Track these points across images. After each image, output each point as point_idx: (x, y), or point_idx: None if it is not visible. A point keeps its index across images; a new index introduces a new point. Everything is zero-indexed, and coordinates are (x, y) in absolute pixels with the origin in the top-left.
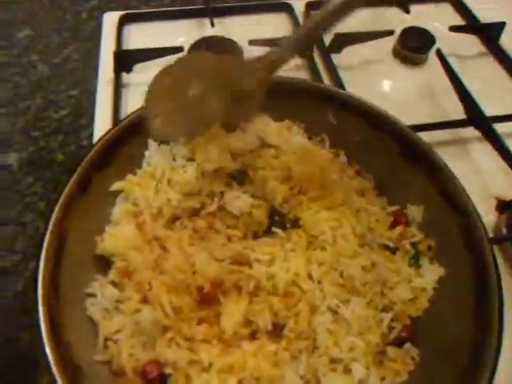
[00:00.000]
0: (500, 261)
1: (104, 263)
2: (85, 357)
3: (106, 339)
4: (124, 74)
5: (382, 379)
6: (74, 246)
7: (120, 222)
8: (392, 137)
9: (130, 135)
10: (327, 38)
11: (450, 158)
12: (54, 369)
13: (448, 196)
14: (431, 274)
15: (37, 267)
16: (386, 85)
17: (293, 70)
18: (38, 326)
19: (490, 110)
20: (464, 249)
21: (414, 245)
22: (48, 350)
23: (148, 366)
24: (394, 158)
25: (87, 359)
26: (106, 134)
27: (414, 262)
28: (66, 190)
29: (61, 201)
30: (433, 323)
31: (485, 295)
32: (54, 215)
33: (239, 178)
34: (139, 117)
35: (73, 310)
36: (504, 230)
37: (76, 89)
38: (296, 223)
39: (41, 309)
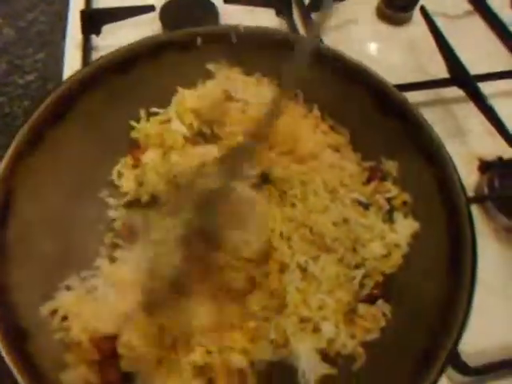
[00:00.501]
0: (482, 221)
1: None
2: (31, 318)
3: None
4: (93, 37)
5: (352, 337)
6: (22, 206)
7: None
8: (367, 90)
9: (88, 89)
10: None
11: (433, 118)
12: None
13: (424, 149)
14: (405, 228)
15: None
16: (370, 45)
17: None
18: None
19: (474, 70)
20: (439, 203)
21: (388, 200)
22: None
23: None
24: (369, 111)
25: (33, 320)
26: (59, 86)
27: (388, 217)
28: (13, 144)
29: (7, 157)
30: (406, 280)
31: (458, 252)
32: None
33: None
34: (99, 68)
35: (20, 272)
36: (485, 190)
37: (43, 52)
38: (267, 179)
39: None
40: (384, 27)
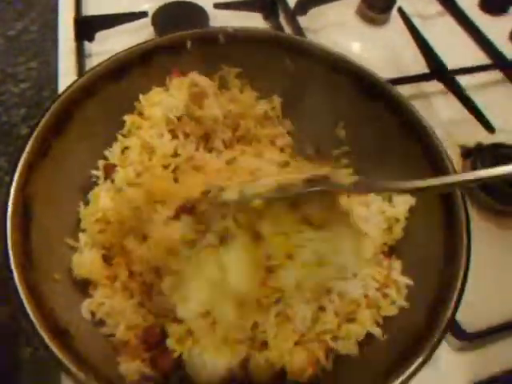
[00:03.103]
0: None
1: (73, 229)
2: (71, 321)
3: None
4: (86, 43)
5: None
6: (41, 214)
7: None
8: (349, 77)
9: (86, 97)
10: (292, 0)
11: None
12: (42, 333)
13: (407, 124)
14: (403, 204)
15: (5, 237)
16: (352, 45)
17: None
18: (17, 296)
19: (450, 65)
20: (427, 169)
21: None
22: (32, 316)
23: (147, 330)
24: (353, 97)
25: (74, 323)
26: (61, 95)
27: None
28: (24, 155)
29: (20, 167)
30: (406, 251)
31: (452, 219)
32: (15, 183)
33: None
34: (96, 76)
35: (48, 278)
36: None
37: (35, 61)
38: None
39: (16, 278)
40: (365, 28)
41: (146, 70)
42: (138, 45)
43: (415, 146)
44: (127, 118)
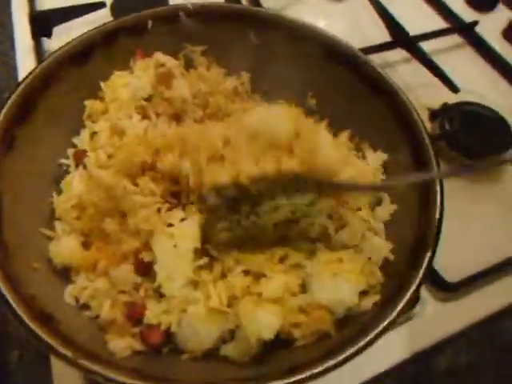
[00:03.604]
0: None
1: (48, 219)
2: (55, 307)
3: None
4: (45, 40)
5: None
6: (11, 209)
7: None
8: (314, 45)
9: (49, 84)
10: None
11: None
12: (27, 320)
13: (373, 83)
14: (375, 160)
15: None
16: (318, 22)
17: None
18: None
19: (412, 32)
20: (397, 126)
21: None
22: (13, 303)
23: (130, 306)
24: (319, 65)
25: (58, 309)
26: (22, 83)
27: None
28: None
29: None
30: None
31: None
32: None
33: None
34: (55, 61)
35: (27, 268)
36: (438, 132)
37: None
38: None
39: None
40: (327, 4)
41: (109, 53)
42: (98, 27)
43: (383, 103)
44: (88, 103)
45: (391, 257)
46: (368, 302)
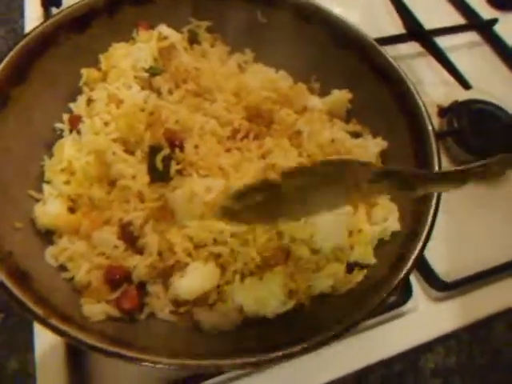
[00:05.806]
0: (444, 159)
1: (37, 182)
2: (32, 265)
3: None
4: (54, 10)
5: None
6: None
7: None
8: (322, 27)
9: (47, 47)
10: None
11: None
12: (1, 274)
13: (379, 70)
14: (375, 147)
15: None
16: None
17: None
18: None
19: (427, 26)
20: (399, 113)
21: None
22: None
23: (110, 269)
24: (325, 47)
25: (36, 268)
26: (19, 42)
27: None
28: None
29: None
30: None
31: (424, 157)
32: None
33: None
34: (56, 25)
35: (8, 226)
36: (446, 129)
37: (2, 30)
38: None
39: None
40: None
41: (112, 22)
42: None
43: (389, 91)
44: (84, 70)
45: (387, 237)
46: (356, 277)
